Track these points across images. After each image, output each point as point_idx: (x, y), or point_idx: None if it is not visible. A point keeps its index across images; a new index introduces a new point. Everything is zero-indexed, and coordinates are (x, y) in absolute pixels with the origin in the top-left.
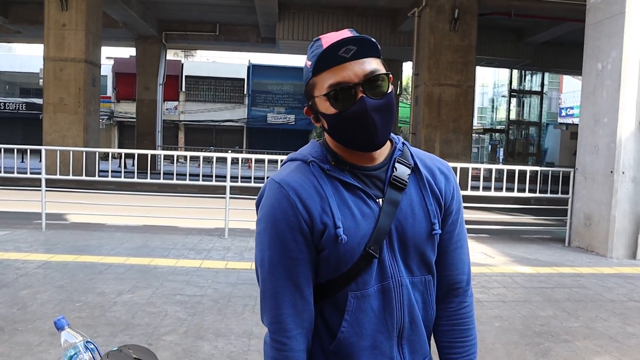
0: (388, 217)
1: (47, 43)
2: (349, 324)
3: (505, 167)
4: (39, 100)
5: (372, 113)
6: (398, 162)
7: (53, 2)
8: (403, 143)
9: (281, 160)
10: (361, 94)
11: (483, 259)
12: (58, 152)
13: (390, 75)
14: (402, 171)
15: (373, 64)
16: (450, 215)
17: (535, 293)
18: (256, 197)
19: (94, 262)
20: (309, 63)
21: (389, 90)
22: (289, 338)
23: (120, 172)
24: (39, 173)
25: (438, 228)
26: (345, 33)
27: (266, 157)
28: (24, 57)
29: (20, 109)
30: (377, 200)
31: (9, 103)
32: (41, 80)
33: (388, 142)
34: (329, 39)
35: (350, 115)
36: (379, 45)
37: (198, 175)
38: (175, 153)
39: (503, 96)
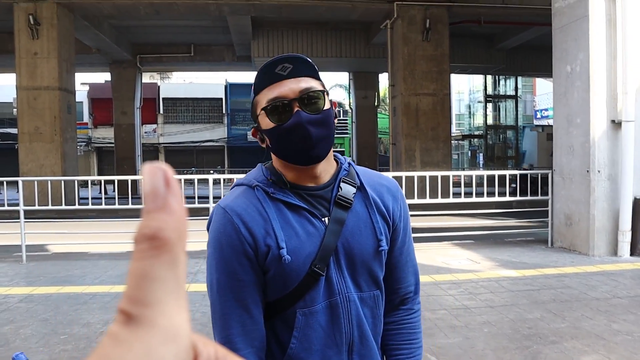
0: (334, 235)
1: (19, 72)
2: (298, 340)
3: (485, 173)
4: (13, 130)
5: (308, 126)
6: (343, 181)
7: (23, 31)
8: (349, 163)
9: None
10: (297, 108)
11: (469, 265)
12: (35, 182)
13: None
14: (347, 190)
15: (309, 83)
16: (398, 233)
17: (522, 296)
18: None
19: (78, 293)
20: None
21: (326, 108)
22: (239, 357)
23: (101, 198)
24: (17, 204)
25: (385, 244)
26: (288, 54)
27: None
28: None
29: None
30: (323, 219)
31: None
32: (15, 110)
33: (334, 163)
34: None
35: (287, 128)
36: (315, 66)
37: None
38: None
39: (479, 102)
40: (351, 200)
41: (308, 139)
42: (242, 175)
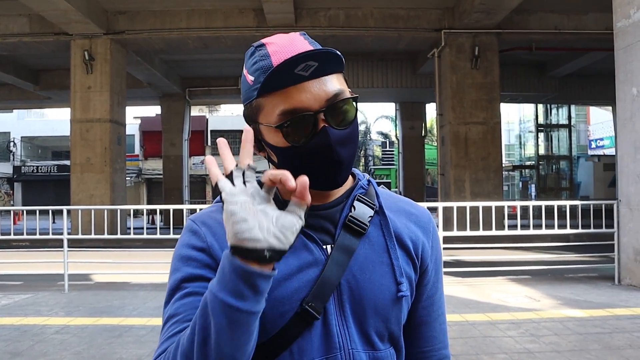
0: (338, 267)
1: (74, 105)
2: None
3: (543, 203)
4: (68, 162)
5: (337, 147)
6: (358, 200)
7: (79, 67)
8: (369, 181)
9: None
10: (323, 124)
11: (528, 303)
12: (80, 211)
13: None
14: (363, 212)
15: (336, 84)
16: (428, 278)
17: (592, 340)
18: None
19: (114, 325)
20: (251, 78)
21: (355, 117)
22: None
23: (143, 228)
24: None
25: (406, 289)
26: (299, 41)
27: None
28: (55, 121)
29: (52, 171)
30: (325, 246)
31: (42, 166)
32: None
33: (349, 177)
34: (278, 48)
35: (309, 150)
36: (343, 58)
37: None
38: (199, 207)
39: (530, 132)
40: (366, 225)
41: (336, 164)
42: None
